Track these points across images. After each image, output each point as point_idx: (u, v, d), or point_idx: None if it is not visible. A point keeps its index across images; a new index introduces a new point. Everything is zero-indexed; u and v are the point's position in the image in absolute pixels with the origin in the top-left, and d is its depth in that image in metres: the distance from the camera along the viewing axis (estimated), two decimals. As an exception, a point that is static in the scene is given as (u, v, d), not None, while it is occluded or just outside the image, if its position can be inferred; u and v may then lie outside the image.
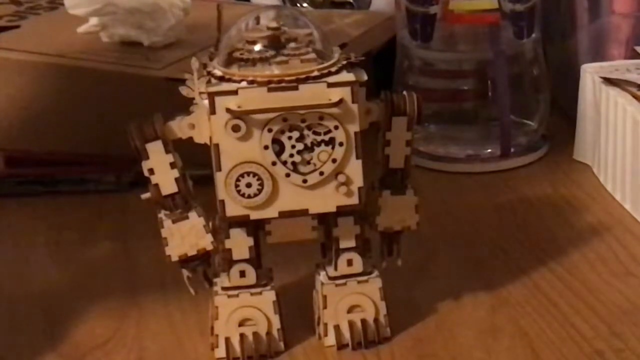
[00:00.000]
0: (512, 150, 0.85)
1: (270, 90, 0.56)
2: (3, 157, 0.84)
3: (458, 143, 0.86)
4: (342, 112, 0.57)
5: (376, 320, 0.61)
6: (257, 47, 0.58)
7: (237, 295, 0.60)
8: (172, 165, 0.58)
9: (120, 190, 0.81)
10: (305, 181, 0.57)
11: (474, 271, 0.69)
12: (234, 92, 0.56)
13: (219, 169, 0.57)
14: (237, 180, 0.57)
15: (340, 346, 0.60)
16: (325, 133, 0.57)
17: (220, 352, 0.60)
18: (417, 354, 0.60)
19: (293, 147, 0.57)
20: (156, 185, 0.58)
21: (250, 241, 0.59)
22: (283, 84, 0.56)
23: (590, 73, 0.82)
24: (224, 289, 0.60)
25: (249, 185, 0.57)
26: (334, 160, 0.57)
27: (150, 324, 0.64)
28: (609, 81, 0.80)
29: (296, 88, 0.56)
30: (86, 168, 0.83)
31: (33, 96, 0.84)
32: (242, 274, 0.59)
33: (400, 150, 0.60)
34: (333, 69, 0.57)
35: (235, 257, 0.59)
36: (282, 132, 0.57)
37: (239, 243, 0.59)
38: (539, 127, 0.87)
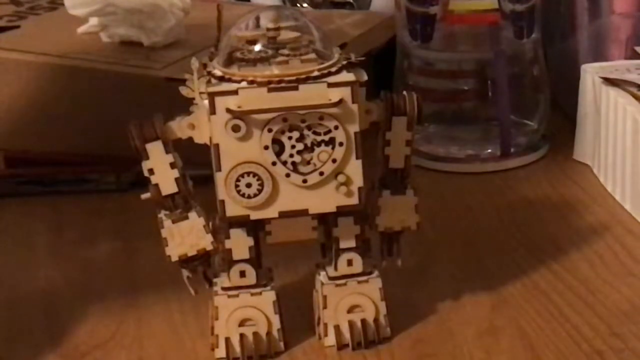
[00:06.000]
0: (512, 150, 0.85)
1: (270, 90, 0.56)
2: (3, 157, 0.84)
3: (458, 143, 0.86)
4: (342, 112, 0.57)
5: (376, 320, 0.61)
6: (257, 47, 0.58)
7: (237, 296, 0.60)
8: (172, 165, 0.58)
9: (120, 190, 0.81)
10: (305, 181, 0.57)
11: (474, 271, 0.69)
12: (234, 92, 0.56)
13: (219, 169, 0.57)
14: (237, 180, 0.57)
15: (340, 346, 0.60)
16: (325, 133, 0.57)
17: (220, 352, 0.60)
18: (417, 354, 0.60)
19: (293, 147, 0.57)
20: (156, 185, 0.58)
21: (250, 241, 0.59)
22: (283, 84, 0.56)
23: (590, 73, 0.82)
24: (224, 289, 0.60)
25: (249, 185, 0.57)
26: (334, 161, 0.57)
27: (150, 324, 0.64)
28: (609, 81, 0.80)
29: (296, 88, 0.56)
30: (86, 168, 0.83)
31: (33, 96, 0.84)
32: (242, 274, 0.59)
33: (400, 150, 0.60)
34: (333, 69, 0.57)
35: (235, 257, 0.59)
36: (282, 132, 0.57)
37: (239, 243, 0.59)
38: (539, 127, 0.87)
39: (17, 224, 0.78)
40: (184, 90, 0.58)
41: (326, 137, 0.57)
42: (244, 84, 0.56)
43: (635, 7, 0.88)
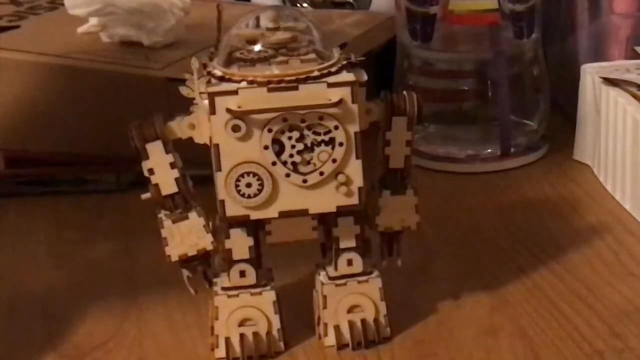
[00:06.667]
0: (512, 150, 0.85)
1: (270, 90, 0.56)
2: (3, 157, 0.84)
3: (458, 143, 0.86)
4: (342, 112, 0.57)
5: (376, 320, 0.61)
6: (257, 47, 0.58)
7: (237, 295, 0.60)
8: (172, 165, 0.58)
9: (120, 190, 0.81)
10: (305, 181, 0.57)
11: (474, 271, 0.69)
12: (234, 92, 0.56)
13: (219, 169, 0.57)
14: (237, 180, 0.57)
15: (340, 346, 0.60)
16: (325, 133, 0.57)
17: (220, 352, 0.60)
18: (417, 354, 0.60)
19: (293, 147, 0.57)
20: (156, 185, 0.58)
21: (250, 241, 0.59)
22: (283, 84, 0.56)
23: (590, 73, 0.82)
24: (224, 289, 0.60)
25: (249, 185, 0.57)
26: (334, 160, 0.57)
27: (150, 324, 0.64)
28: (609, 81, 0.80)
29: (296, 88, 0.56)
30: (86, 168, 0.83)
31: (33, 96, 0.84)
32: (242, 274, 0.59)
33: (400, 150, 0.60)
34: (333, 69, 0.57)
35: (235, 257, 0.59)
36: (282, 132, 0.57)
37: (239, 243, 0.59)
38: (539, 127, 0.87)
39: (17, 224, 0.78)
40: (184, 90, 0.58)
41: (326, 137, 0.57)
42: (244, 84, 0.56)
43: (635, 7, 0.88)
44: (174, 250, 0.59)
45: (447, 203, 0.79)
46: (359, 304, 0.61)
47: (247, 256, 0.59)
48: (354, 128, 0.57)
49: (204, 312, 0.63)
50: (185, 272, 0.60)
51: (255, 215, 0.58)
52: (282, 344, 0.60)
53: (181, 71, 0.59)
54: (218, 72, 0.57)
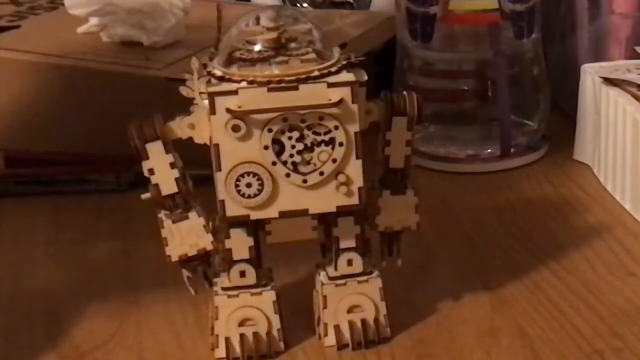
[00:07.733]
0: (512, 150, 0.85)
1: (270, 90, 0.56)
2: (3, 157, 0.84)
3: (458, 143, 0.86)
4: (342, 112, 0.57)
5: (376, 320, 0.61)
6: (257, 47, 0.58)
7: (237, 295, 0.60)
8: (172, 165, 0.58)
9: (120, 190, 0.81)
10: (305, 181, 0.57)
11: (474, 271, 0.69)
12: (234, 92, 0.56)
13: (219, 169, 0.57)
14: (237, 180, 0.57)
15: (341, 346, 0.60)
16: (325, 133, 0.57)
17: (220, 352, 0.60)
18: (417, 354, 0.60)
19: (293, 147, 0.57)
20: (156, 185, 0.58)
21: (250, 241, 0.59)
22: (283, 84, 0.56)
23: (590, 73, 0.82)
24: (224, 289, 0.60)
25: (249, 185, 0.57)
26: (334, 161, 0.57)
27: (150, 324, 0.64)
28: (609, 81, 0.80)
29: (296, 88, 0.56)
30: (86, 168, 0.83)
31: (33, 96, 0.84)
32: (242, 274, 0.59)
33: (400, 150, 0.60)
34: (333, 69, 0.57)
35: (235, 257, 0.59)
36: (282, 132, 0.57)
37: (239, 243, 0.59)
38: (539, 127, 0.87)
39: (17, 224, 0.78)
40: (184, 90, 0.58)
41: (326, 137, 0.57)
42: (244, 84, 0.56)
43: (635, 7, 0.88)
44: (174, 251, 0.59)
45: (447, 203, 0.79)
46: (359, 304, 0.61)
47: (247, 256, 0.59)
48: (354, 128, 0.57)
49: (204, 312, 0.63)
50: (185, 272, 0.60)
51: (255, 215, 0.58)
52: (282, 344, 0.60)
53: (181, 71, 0.59)
54: (218, 72, 0.57)
